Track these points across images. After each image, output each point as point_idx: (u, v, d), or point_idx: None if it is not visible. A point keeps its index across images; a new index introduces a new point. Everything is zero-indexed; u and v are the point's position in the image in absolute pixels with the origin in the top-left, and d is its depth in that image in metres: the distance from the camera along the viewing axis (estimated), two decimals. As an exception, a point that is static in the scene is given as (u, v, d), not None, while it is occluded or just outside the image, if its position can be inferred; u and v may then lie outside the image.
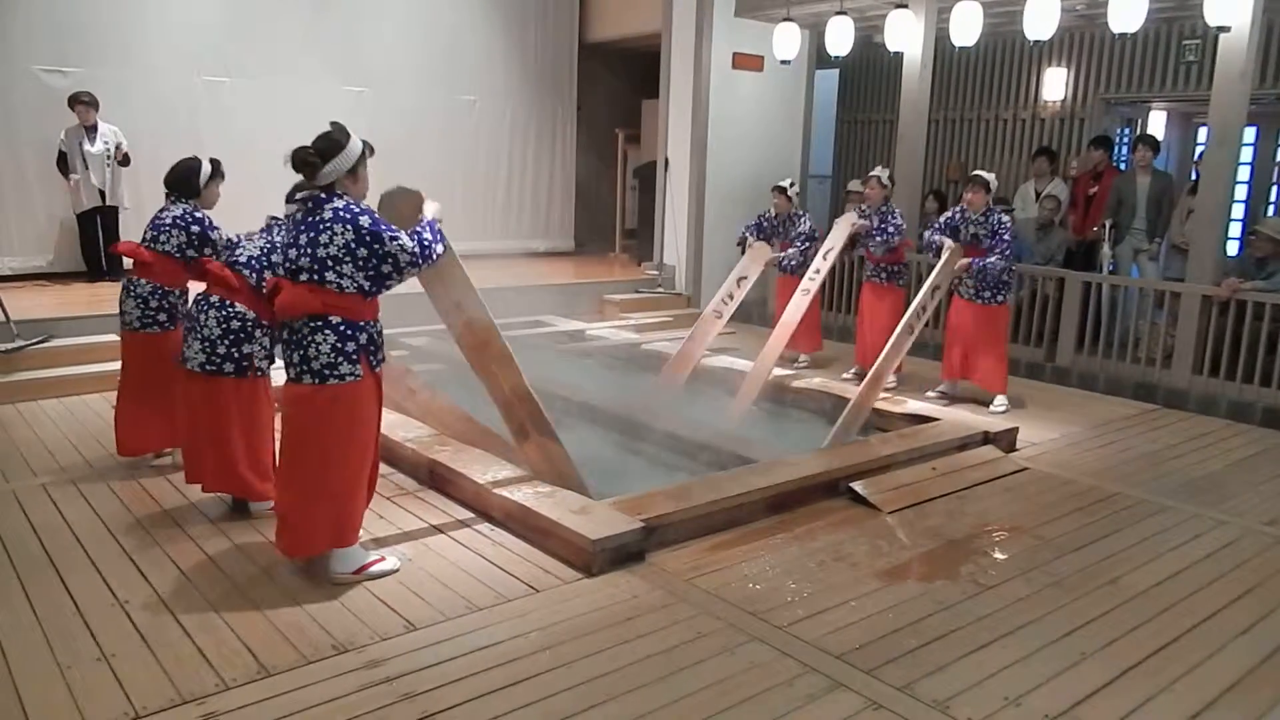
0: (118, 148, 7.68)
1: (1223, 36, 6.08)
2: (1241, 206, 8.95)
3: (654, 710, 2.67)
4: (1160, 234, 7.63)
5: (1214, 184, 6.36)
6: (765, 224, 7.25)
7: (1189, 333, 6.43)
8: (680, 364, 6.59)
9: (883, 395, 5.76)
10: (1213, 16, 5.90)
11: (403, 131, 9.72)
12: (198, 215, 4.46)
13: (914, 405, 5.75)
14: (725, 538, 3.91)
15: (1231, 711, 2.79)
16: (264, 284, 3.81)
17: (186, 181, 4.50)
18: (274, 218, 4.08)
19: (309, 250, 3.24)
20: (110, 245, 7.85)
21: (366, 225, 3.24)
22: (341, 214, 3.25)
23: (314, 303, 3.23)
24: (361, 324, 3.30)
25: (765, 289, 8.77)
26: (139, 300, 4.48)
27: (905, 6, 7.44)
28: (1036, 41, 6.57)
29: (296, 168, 3.32)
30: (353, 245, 3.22)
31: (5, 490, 4.24)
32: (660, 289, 9.47)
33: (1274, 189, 8.95)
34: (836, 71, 10.93)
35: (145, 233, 4.48)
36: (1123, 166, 8.66)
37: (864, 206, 6.84)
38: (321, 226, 3.24)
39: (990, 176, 6.06)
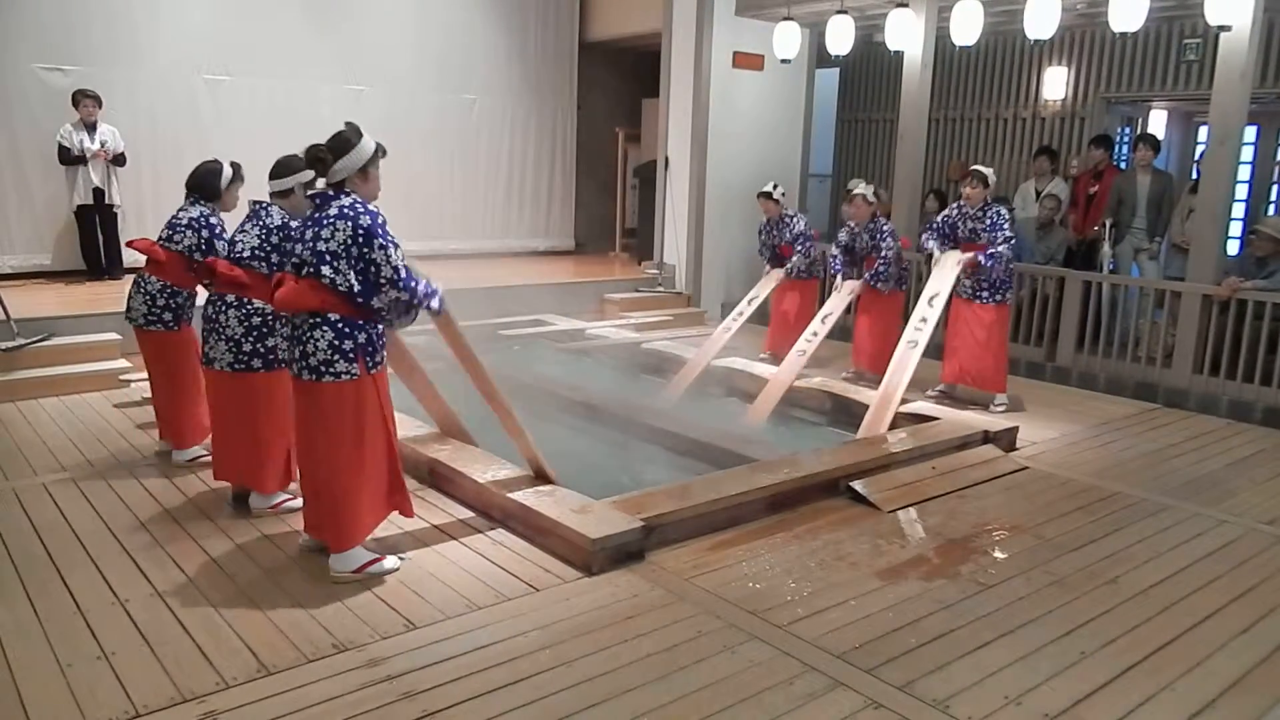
0: (103, 145, 7.62)
1: (1223, 36, 6.08)
2: (1242, 206, 8.95)
3: (654, 709, 2.67)
4: (1160, 233, 7.63)
5: (1214, 183, 6.36)
6: (763, 232, 7.35)
7: (1189, 332, 6.42)
8: (685, 376, 6.62)
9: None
10: (1213, 16, 5.90)
11: (403, 130, 9.72)
12: (212, 220, 4.45)
13: (915, 405, 5.74)
14: (725, 537, 3.91)
15: (1232, 710, 2.79)
16: (274, 270, 3.87)
17: (207, 183, 4.50)
18: (257, 202, 4.08)
19: (311, 244, 3.27)
20: (111, 245, 7.86)
21: (365, 225, 3.26)
22: (346, 211, 3.27)
23: (312, 299, 3.25)
24: (360, 323, 3.31)
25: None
26: (147, 297, 4.51)
27: (906, 5, 7.43)
28: (1037, 41, 6.57)
29: (309, 164, 3.39)
30: (349, 243, 3.24)
31: (5, 488, 4.24)
32: (660, 288, 9.47)
33: (1274, 188, 8.96)
34: (837, 70, 10.93)
35: (161, 231, 4.49)
36: (1123, 166, 8.66)
37: (851, 224, 6.79)
38: (325, 221, 3.27)
39: (989, 171, 6.04)
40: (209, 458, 4.58)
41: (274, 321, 3.92)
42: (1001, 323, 6.11)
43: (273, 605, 3.20)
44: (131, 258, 8.05)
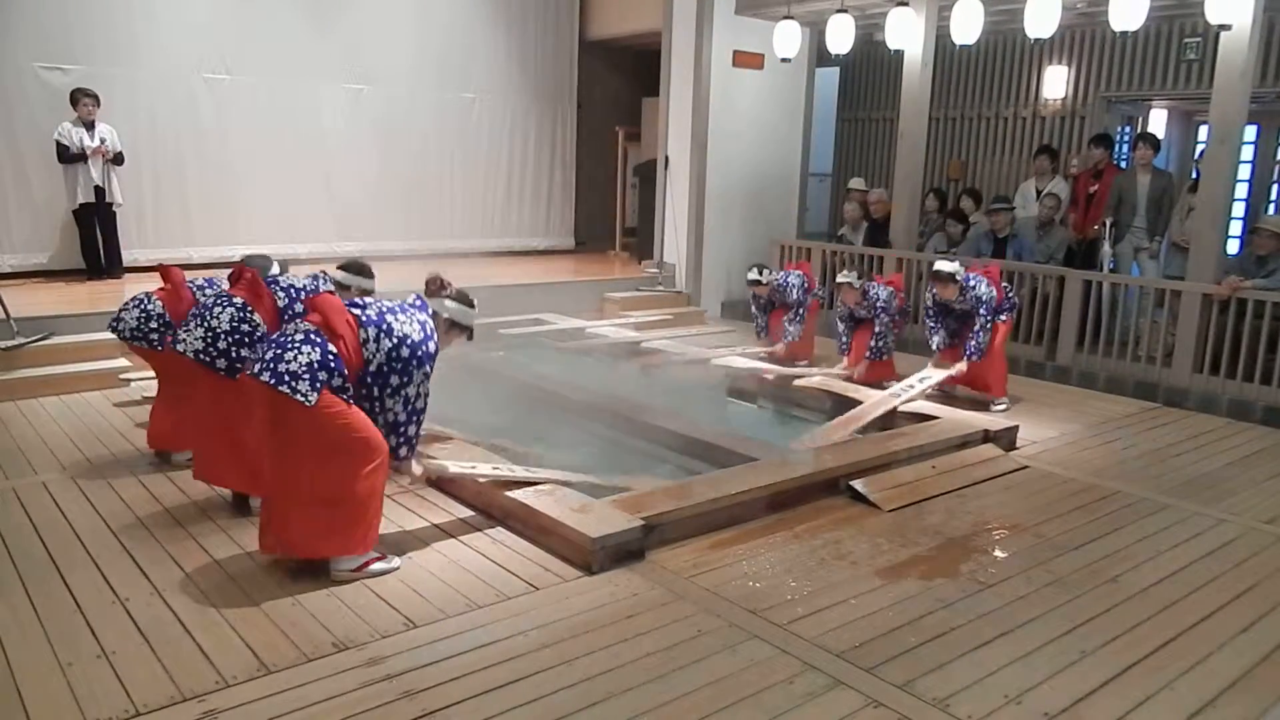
0: (102, 142, 7.61)
1: (1223, 35, 6.08)
2: (1242, 205, 8.95)
3: (654, 708, 2.67)
4: (1160, 232, 7.63)
5: (1215, 182, 6.36)
6: (760, 304, 7.25)
7: (1189, 331, 6.43)
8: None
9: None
10: (1213, 15, 5.90)
11: (402, 129, 9.74)
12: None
13: (915, 404, 5.74)
14: (725, 536, 3.91)
15: (1232, 709, 2.79)
16: (291, 308, 4.09)
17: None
18: (323, 274, 4.28)
19: (388, 307, 3.46)
20: (111, 244, 7.86)
21: (431, 349, 3.48)
22: (426, 324, 3.51)
23: (340, 321, 3.33)
24: (346, 370, 3.32)
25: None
26: (143, 313, 4.55)
27: (906, 4, 7.43)
28: (1037, 39, 6.56)
29: (426, 282, 3.72)
30: (404, 339, 3.40)
31: (5, 487, 4.24)
32: (660, 287, 9.47)
33: (1274, 187, 8.96)
34: (837, 69, 10.92)
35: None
36: (1123, 165, 8.65)
37: (850, 308, 6.55)
38: (407, 311, 3.50)
39: (952, 267, 5.97)
40: None
41: (259, 340, 3.94)
42: (1000, 337, 6.09)
43: (273, 604, 3.20)
44: (130, 258, 8.09)
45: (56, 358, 6.06)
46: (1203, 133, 9.24)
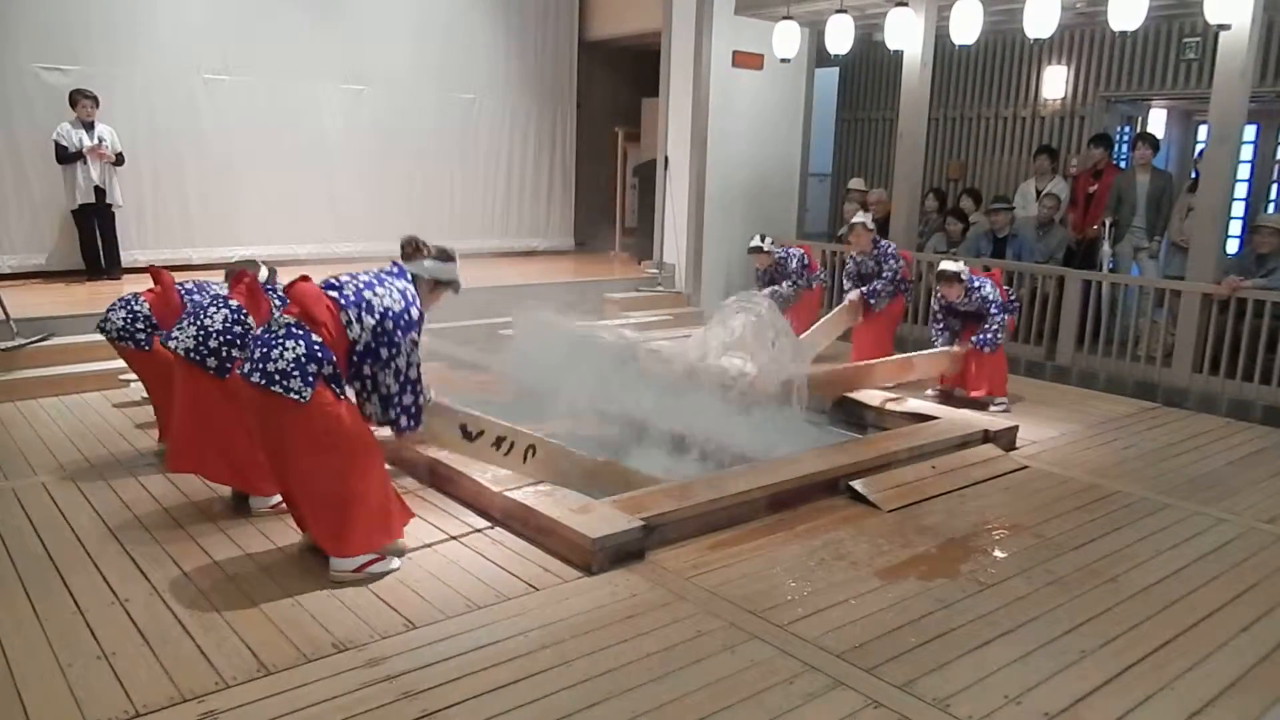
0: (100, 141, 7.61)
1: (1223, 34, 6.08)
2: (1241, 205, 8.95)
3: (654, 708, 2.67)
4: (1160, 232, 7.63)
5: (1214, 182, 6.36)
6: (762, 278, 7.32)
7: (1189, 331, 6.42)
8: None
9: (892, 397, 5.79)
10: (1213, 14, 5.89)
11: (402, 130, 9.73)
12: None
13: (913, 403, 5.74)
14: (725, 536, 3.91)
15: (1232, 709, 2.79)
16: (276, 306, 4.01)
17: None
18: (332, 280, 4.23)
19: (365, 282, 3.41)
20: (110, 245, 7.85)
21: (414, 315, 3.44)
22: (406, 291, 3.48)
23: (320, 308, 3.29)
24: (334, 357, 3.31)
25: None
26: (129, 314, 4.56)
27: (905, 5, 7.42)
28: (1037, 39, 6.55)
29: (402, 245, 3.65)
30: (387, 311, 3.36)
31: (5, 488, 4.24)
32: (660, 287, 9.47)
33: (1274, 187, 8.95)
34: (836, 70, 10.92)
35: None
36: (1123, 165, 8.65)
37: (855, 255, 6.75)
38: (385, 281, 3.45)
39: (957, 267, 6.04)
40: None
41: (251, 342, 3.92)
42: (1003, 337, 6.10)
43: (272, 605, 3.20)
44: (129, 259, 8.08)
45: (56, 358, 6.06)
46: (1202, 132, 9.23)
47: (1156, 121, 9.88)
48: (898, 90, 8.12)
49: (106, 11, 8.08)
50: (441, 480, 4.33)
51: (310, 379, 3.21)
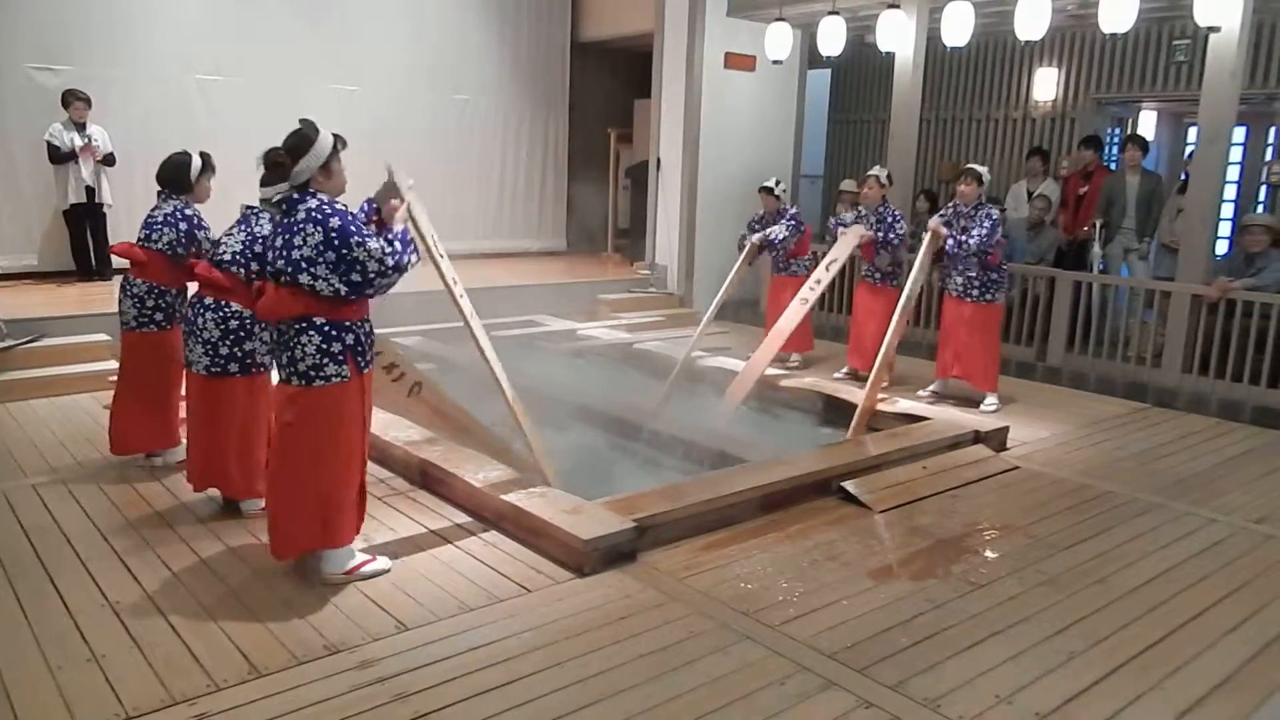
0: (90, 140, 7.59)
1: (1212, 36, 6.11)
2: (1231, 206, 8.99)
3: (647, 710, 2.67)
4: (1150, 233, 7.66)
5: (1204, 183, 6.39)
6: (758, 226, 7.30)
7: (1179, 332, 6.46)
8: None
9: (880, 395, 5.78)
10: (1202, 17, 5.93)
11: (395, 131, 9.71)
12: (187, 212, 4.45)
13: (905, 404, 5.76)
14: (717, 537, 3.91)
15: (1221, 708, 2.80)
16: (253, 277, 3.82)
17: (177, 177, 4.48)
18: (249, 207, 4.05)
19: (284, 252, 3.19)
20: (101, 246, 7.82)
21: (336, 226, 3.16)
22: (314, 214, 3.18)
23: (294, 306, 3.22)
24: (347, 324, 3.28)
25: (758, 288, 8.79)
26: (135, 300, 4.47)
27: (897, 7, 7.45)
28: (1028, 41, 6.59)
29: (268, 168, 3.35)
30: (322, 247, 3.15)
31: (-5, 491, 4.23)
32: (652, 289, 9.48)
33: (1263, 188, 8.99)
34: (828, 71, 10.94)
35: (139, 231, 4.46)
36: (1113, 166, 8.69)
37: (860, 208, 6.81)
38: (295, 228, 3.18)
39: (983, 170, 6.04)
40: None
41: (252, 325, 3.90)
42: (992, 321, 6.11)
43: (264, 607, 3.19)
44: (120, 260, 8.04)
45: (46, 360, 6.03)
46: (1192, 134, 9.26)
47: (1146, 123, 9.93)
48: (889, 92, 8.15)
49: (99, 12, 8.06)
50: (433, 481, 4.33)
51: (340, 359, 3.24)
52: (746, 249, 7.07)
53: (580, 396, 6.06)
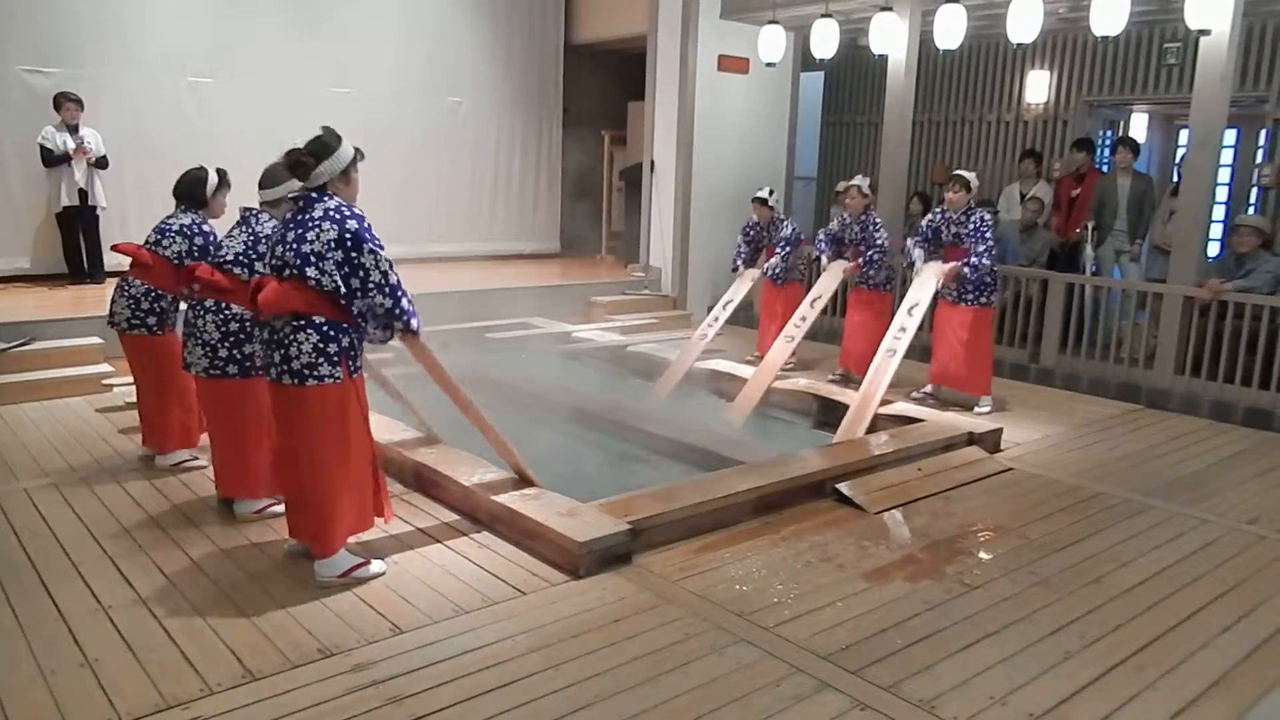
0: (82, 142, 7.55)
1: (1203, 40, 6.14)
2: (1222, 208, 9.03)
3: (642, 711, 2.67)
4: (1141, 235, 7.69)
5: (1195, 186, 6.42)
6: (751, 233, 7.35)
7: (1171, 333, 6.48)
8: (668, 379, 6.60)
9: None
10: (1193, 20, 5.95)
11: (389, 133, 9.70)
12: (204, 228, 4.41)
13: (899, 406, 5.77)
14: (712, 539, 3.91)
15: (1214, 708, 2.81)
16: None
17: (194, 192, 4.44)
18: (248, 208, 4.06)
19: (294, 245, 3.25)
20: (94, 248, 7.79)
21: (353, 228, 3.27)
22: (332, 213, 3.28)
23: (297, 300, 3.23)
24: (345, 326, 3.30)
25: (751, 292, 8.78)
26: (130, 301, 4.47)
27: (890, 9, 7.47)
28: (1020, 44, 6.61)
29: (290, 169, 3.36)
30: (334, 244, 3.24)
31: (-14, 495, 4.21)
32: (646, 291, 9.48)
33: (1253, 191, 9.03)
34: (821, 74, 10.96)
35: (149, 235, 4.42)
36: (1104, 168, 8.72)
37: (844, 215, 6.85)
38: (310, 224, 3.26)
39: (971, 175, 6.08)
40: (195, 463, 4.57)
41: (252, 328, 3.89)
42: (984, 325, 6.13)
43: (258, 610, 3.18)
44: (114, 261, 7.99)
45: (38, 363, 6.00)
46: (1183, 137, 9.30)
47: (1138, 126, 9.97)
48: (882, 94, 8.16)
49: (91, 13, 8.03)
50: (427, 484, 4.32)
51: (335, 360, 3.26)
52: (743, 276, 7.17)
53: (574, 398, 6.06)
